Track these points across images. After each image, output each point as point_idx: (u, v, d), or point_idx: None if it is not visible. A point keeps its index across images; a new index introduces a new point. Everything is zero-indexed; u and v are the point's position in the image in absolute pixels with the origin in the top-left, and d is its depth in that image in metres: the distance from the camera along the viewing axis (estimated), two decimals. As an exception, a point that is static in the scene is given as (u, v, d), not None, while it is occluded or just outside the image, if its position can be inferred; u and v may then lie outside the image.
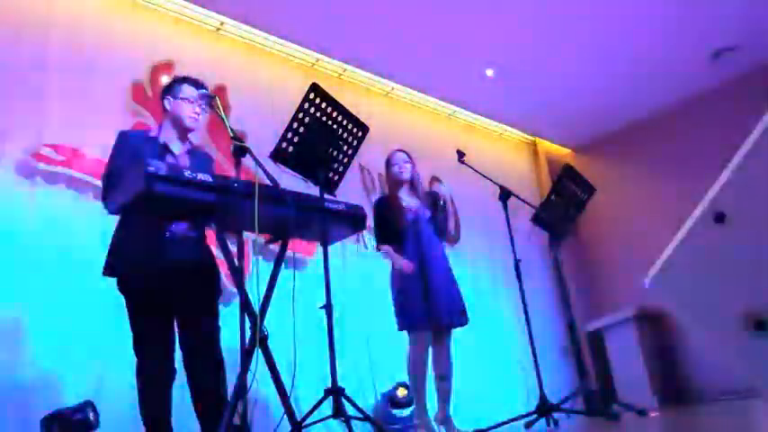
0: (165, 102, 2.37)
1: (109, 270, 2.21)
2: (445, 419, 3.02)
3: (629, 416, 3.47)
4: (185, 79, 2.41)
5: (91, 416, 2.54)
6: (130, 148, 2.23)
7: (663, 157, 5.88)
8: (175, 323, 2.25)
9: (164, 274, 2.16)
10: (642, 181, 6.07)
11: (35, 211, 3.03)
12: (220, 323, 2.34)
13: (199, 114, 2.38)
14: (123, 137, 2.31)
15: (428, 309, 2.96)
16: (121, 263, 2.19)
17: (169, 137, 2.35)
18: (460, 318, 3.09)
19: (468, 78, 5.16)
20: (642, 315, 5.30)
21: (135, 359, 2.20)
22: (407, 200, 3.21)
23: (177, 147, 2.35)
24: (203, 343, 2.23)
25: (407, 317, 2.99)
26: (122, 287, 2.22)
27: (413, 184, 3.26)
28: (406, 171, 3.22)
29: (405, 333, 3.07)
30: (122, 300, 2.21)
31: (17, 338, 2.80)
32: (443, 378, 3.06)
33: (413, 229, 3.11)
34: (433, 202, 3.24)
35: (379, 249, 3.18)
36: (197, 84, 2.39)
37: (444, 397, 3.05)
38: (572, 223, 3.84)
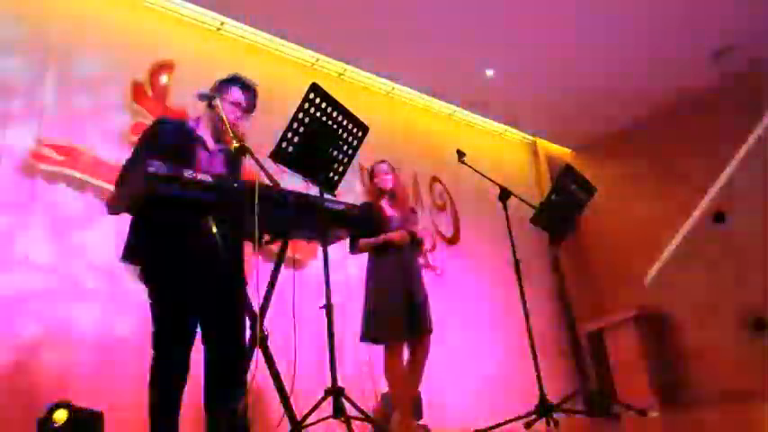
0: (215, 98, 2.28)
1: (134, 256, 2.10)
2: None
3: (629, 416, 3.47)
4: (237, 81, 2.36)
5: (60, 419, 2.51)
6: (168, 134, 2.17)
7: (663, 157, 5.88)
8: (199, 320, 2.19)
9: (196, 267, 2.09)
10: (642, 181, 6.07)
11: (35, 211, 3.03)
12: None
13: (239, 118, 2.32)
14: (160, 124, 2.24)
15: (410, 319, 2.98)
16: (153, 253, 2.08)
17: (205, 133, 2.30)
18: (430, 326, 3.11)
19: (468, 78, 5.16)
20: (642, 315, 5.30)
21: (151, 353, 2.12)
22: (389, 210, 3.25)
23: (211, 144, 2.31)
24: (229, 340, 2.15)
25: (386, 328, 2.98)
26: (149, 277, 2.12)
27: (394, 195, 3.30)
28: (387, 182, 3.28)
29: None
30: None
31: (17, 336, 2.80)
32: (416, 385, 3.09)
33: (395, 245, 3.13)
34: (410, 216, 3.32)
35: (355, 251, 3.18)
36: (246, 87, 2.35)
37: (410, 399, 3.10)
38: (572, 223, 3.84)
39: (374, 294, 3.06)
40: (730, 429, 2.40)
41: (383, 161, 3.38)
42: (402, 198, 3.34)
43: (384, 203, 3.27)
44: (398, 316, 2.97)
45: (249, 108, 2.37)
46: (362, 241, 3.11)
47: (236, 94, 2.34)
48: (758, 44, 5.04)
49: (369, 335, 3.02)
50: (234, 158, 2.37)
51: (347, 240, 3.03)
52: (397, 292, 3.02)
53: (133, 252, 2.09)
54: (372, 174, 3.36)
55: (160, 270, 2.10)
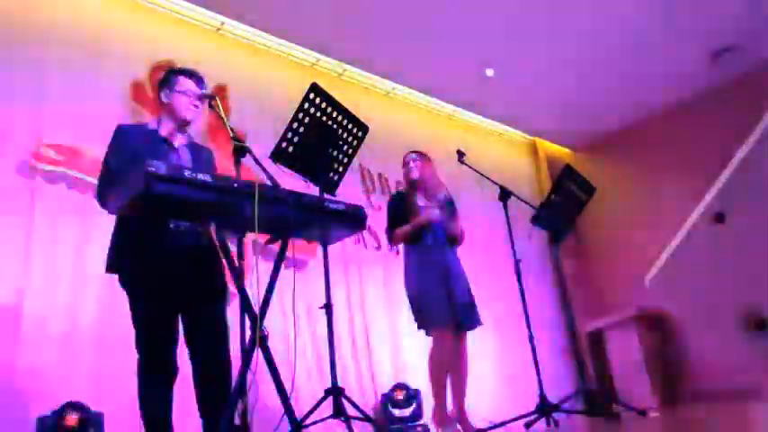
0: (162, 95, 2.31)
1: (113, 267, 2.15)
2: (463, 418, 3.03)
3: (629, 416, 3.47)
4: (182, 71, 2.35)
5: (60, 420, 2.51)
6: (131, 142, 2.18)
7: (663, 157, 5.88)
8: (180, 320, 2.21)
9: (169, 268, 2.11)
10: (642, 181, 6.06)
11: (35, 211, 3.03)
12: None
13: (197, 106, 2.33)
14: (122, 132, 2.24)
15: (451, 309, 2.97)
16: (126, 259, 2.13)
17: (169, 130, 2.31)
18: (478, 320, 3.12)
19: (468, 78, 5.16)
20: (642, 315, 5.30)
21: (136, 356, 2.17)
22: (420, 200, 3.21)
23: (177, 140, 2.32)
24: (211, 342, 2.18)
25: (431, 317, 2.97)
26: (126, 282, 2.16)
27: (422, 184, 3.24)
28: (412, 171, 3.25)
29: (420, 333, 3.05)
30: (123, 297, 2.18)
31: (17, 336, 2.80)
32: (462, 378, 3.06)
33: (430, 229, 3.11)
34: (444, 206, 3.23)
35: (392, 242, 3.17)
36: (192, 75, 2.34)
37: (462, 396, 3.06)
38: (572, 223, 3.84)
39: (411, 292, 3.06)
40: (730, 429, 2.40)
41: (414, 151, 3.35)
42: (432, 187, 3.26)
43: (415, 193, 3.23)
44: (435, 305, 2.94)
45: (202, 95, 2.33)
46: (397, 231, 3.10)
47: (185, 83, 2.31)
48: (758, 44, 5.04)
49: (418, 325, 3.02)
50: (197, 151, 2.38)
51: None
52: (430, 286, 2.99)
53: (113, 262, 2.14)
54: (402, 163, 3.33)
55: (138, 274, 2.12)
